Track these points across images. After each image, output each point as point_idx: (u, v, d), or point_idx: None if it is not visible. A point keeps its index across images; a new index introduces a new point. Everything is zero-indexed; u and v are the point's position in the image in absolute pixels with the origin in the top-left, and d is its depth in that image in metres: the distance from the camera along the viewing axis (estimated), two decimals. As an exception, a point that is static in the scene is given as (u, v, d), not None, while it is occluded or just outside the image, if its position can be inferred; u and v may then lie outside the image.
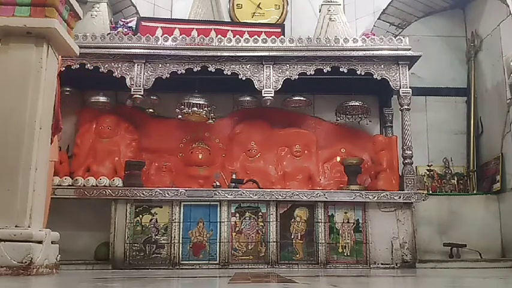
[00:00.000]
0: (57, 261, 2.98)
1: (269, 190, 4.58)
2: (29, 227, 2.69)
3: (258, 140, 5.16)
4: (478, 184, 5.31)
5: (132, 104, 4.89)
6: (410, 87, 4.68)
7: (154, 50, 4.66)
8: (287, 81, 4.69)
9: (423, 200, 4.53)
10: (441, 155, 5.48)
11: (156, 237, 4.43)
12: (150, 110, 5.11)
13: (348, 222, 4.52)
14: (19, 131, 2.78)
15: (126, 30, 4.97)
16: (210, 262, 4.40)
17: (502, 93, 4.98)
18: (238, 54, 4.67)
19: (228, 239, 4.45)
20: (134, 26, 5.10)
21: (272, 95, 4.66)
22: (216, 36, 4.78)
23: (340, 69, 4.69)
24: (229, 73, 4.69)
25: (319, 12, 5.32)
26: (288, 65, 4.72)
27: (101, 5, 5.18)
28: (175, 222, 4.45)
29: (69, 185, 4.52)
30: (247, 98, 5.08)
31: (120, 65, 4.67)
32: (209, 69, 4.67)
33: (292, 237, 4.50)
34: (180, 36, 4.75)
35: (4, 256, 2.57)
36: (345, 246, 4.48)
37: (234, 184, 4.71)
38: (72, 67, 4.52)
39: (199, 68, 4.67)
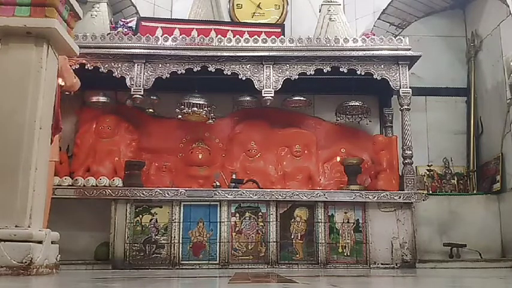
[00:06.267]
0: (57, 261, 2.98)
1: (269, 190, 4.58)
2: (29, 227, 2.69)
3: (258, 140, 5.16)
4: (478, 184, 5.31)
5: (132, 104, 4.90)
6: (410, 87, 4.68)
7: (154, 50, 4.66)
8: (287, 81, 4.69)
9: (423, 200, 4.53)
10: (441, 155, 5.47)
11: (156, 237, 4.43)
12: (150, 110, 5.12)
13: (348, 222, 4.52)
14: (19, 131, 2.78)
15: (126, 30, 4.97)
16: (210, 262, 4.40)
17: (502, 93, 4.98)
18: (238, 54, 4.67)
19: (228, 239, 4.45)
20: (134, 26, 5.09)
21: (272, 95, 4.66)
22: (216, 36, 4.77)
23: (340, 69, 4.69)
24: (229, 73, 4.69)
25: (319, 12, 5.31)
26: (288, 65, 4.72)
27: (101, 5, 5.18)
28: (175, 222, 4.45)
29: (69, 185, 4.52)
30: (247, 98, 5.08)
31: (120, 65, 4.67)
32: (209, 69, 4.67)
33: (292, 237, 4.50)
34: (180, 36, 4.75)
35: (4, 256, 2.57)
36: (345, 246, 4.48)
37: (234, 184, 4.71)
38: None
39: (199, 68, 4.67)
